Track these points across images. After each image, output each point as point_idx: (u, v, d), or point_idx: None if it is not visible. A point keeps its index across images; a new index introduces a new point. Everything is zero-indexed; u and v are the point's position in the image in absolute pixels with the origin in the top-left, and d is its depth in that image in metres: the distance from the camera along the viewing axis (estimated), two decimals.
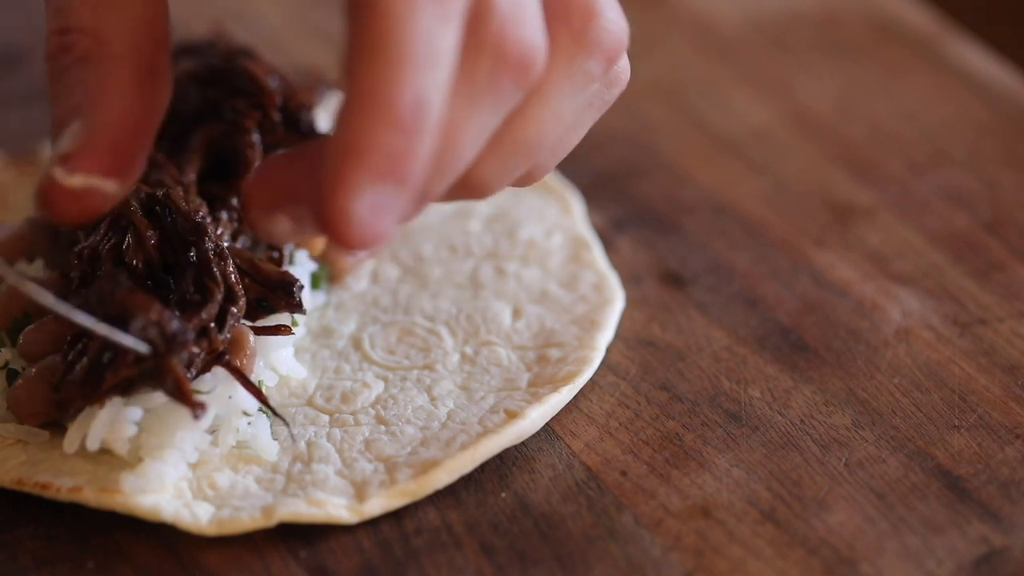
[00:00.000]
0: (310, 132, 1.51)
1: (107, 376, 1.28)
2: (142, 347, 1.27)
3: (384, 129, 1.10)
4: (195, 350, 1.29)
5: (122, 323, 1.27)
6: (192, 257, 1.33)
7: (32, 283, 1.29)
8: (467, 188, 1.21)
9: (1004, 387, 1.43)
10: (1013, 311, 1.51)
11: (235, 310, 1.33)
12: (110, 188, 1.23)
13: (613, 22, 1.21)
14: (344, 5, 1.12)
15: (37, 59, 1.85)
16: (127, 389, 1.29)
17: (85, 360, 1.30)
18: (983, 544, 1.30)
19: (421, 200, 1.16)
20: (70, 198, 1.23)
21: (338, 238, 1.12)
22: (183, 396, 1.27)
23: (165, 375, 1.27)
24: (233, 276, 1.34)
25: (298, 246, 1.45)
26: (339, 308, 1.48)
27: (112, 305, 1.28)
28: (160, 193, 1.36)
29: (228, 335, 1.32)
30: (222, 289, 1.32)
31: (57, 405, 1.32)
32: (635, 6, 1.90)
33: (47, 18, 1.26)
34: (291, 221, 1.18)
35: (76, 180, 1.23)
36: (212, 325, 1.31)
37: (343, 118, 1.11)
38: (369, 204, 1.11)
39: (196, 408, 1.27)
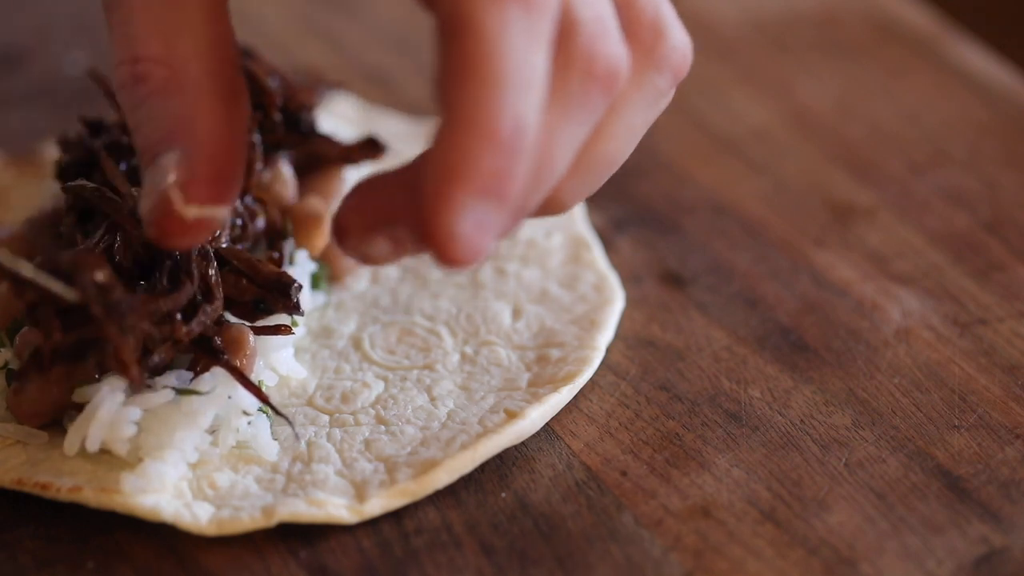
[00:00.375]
0: (310, 132, 1.51)
1: (47, 347, 1.28)
2: (71, 295, 1.26)
3: (487, 151, 1.13)
4: (151, 330, 1.28)
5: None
6: (176, 253, 1.33)
7: None
8: (548, 205, 1.24)
9: (1004, 387, 1.43)
10: (1013, 311, 1.51)
11: (209, 308, 1.32)
12: (220, 215, 1.25)
13: (680, 40, 1.27)
14: (436, 30, 1.15)
15: (37, 59, 1.85)
16: (74, 358, 1.28)
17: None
18: (983, 544, 1.30)
19: (518, 215, 1.19)
20: (185, 229, 1.25)
21: (443, 255, 1.15)
22: (123, 366, 1.27)
23: (105, 343, 1.26)
24: (214, 277, 1.33)
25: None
26: (339, 308, 1.48)
27: (63, 263, 1.27)
28: None
29: (196, 328, 1.32)
30: (195, 284, 1.32)
31: (14, 393, 1.32)
32: None
33: (114, 47, 1.27)
34: (389, 243, 1.20)
35: (192, 211, 1.25)
36: (178, 316, 1.31)
37: (444, 140, 1.14)
38: (472, 222, 1.14)
39: (136, 380, 1.27)
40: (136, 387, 1.28)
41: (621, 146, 1.25)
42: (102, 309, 1.26)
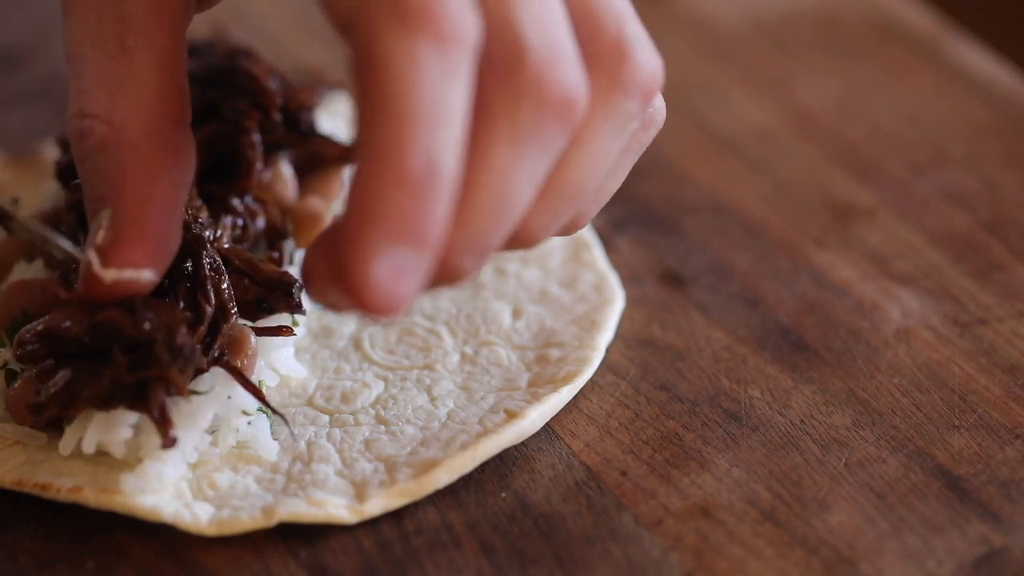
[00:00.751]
0: (310, 132, 1.51)
1: (85, 390, 1.28)
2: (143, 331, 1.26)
3: (396, 191, 1.09)
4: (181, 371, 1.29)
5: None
6: (188, 268, 1.33)
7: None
8: (515, 239, 1.20)
9: (1004, 387, 1.43)
10: (1013, 311, 1.51)
11: (225, 328, 1.32)
12: (145, 277, 1.25)
13: (646, 59, 1.20)
14: (350, 68, 1.11)
15: (37, 59, 1.85)
16: (105, 403, 1.28)
17: (68, 372, 1.30)
18: (983, 544, 1.30)
19: (482, 254, 1.15)
20: (104, 291, 1.25)
21: (360, 304, 1.11)
22: (164, 422, 1.27)
23: (156, 389, 1.26)
24: (227, 293, 1.33)
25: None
26: None
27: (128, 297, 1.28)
28: None
29: (215, 354, 1.32)
30: (213, 308, 1.32)
31: (33, 410, 1.32)
32: (635, 6, 1.90)
33: (70, 99, 1.27)
34: (344, 295, 1.14)
35: (109, 275, 1.24)
36: (198, 346, 1.31)
37: (356, 182, 1.10)
38: (388, 268, 1.10)
39: (168, 440, 1.27)
40: (168, 444, 1.27)
41: (589, 175, 1.19)
42: (168, 356, 1.27)
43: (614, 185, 1.26)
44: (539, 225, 1.20)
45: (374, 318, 1.12)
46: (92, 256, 1.25)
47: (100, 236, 1.25)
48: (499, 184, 1.13)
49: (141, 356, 1.27)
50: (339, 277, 1.11)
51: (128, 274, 1.25)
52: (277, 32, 1.87)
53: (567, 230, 1.25)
